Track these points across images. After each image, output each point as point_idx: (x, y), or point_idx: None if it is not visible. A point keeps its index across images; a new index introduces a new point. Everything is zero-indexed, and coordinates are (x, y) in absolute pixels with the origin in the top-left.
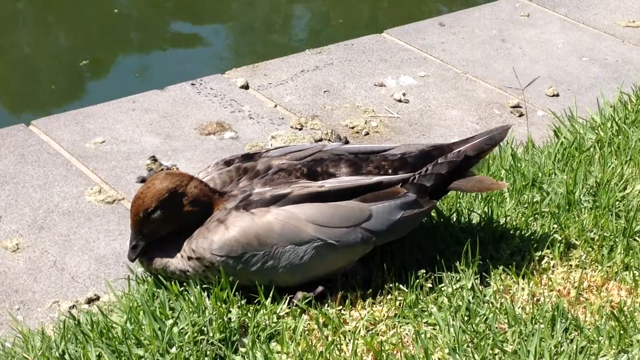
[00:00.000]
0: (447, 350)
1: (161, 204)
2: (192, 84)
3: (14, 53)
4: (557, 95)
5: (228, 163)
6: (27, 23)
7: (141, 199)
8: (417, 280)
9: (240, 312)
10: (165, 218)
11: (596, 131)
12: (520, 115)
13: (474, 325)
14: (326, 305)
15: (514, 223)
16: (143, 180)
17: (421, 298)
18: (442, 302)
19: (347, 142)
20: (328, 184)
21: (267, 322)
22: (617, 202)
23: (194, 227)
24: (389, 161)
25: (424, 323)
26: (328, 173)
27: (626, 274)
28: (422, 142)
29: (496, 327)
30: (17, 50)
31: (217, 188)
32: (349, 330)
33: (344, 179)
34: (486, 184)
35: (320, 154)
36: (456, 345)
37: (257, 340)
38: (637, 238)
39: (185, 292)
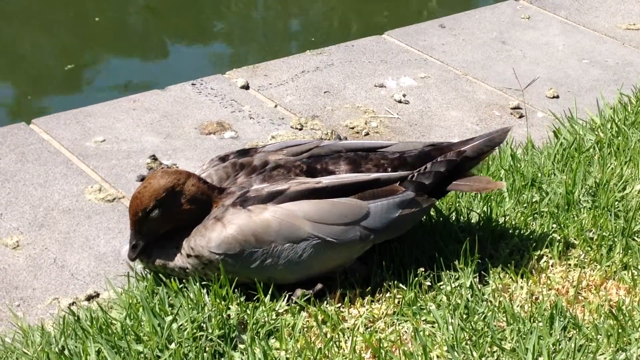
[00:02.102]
0: (445, 348)
1: (159, 202)
2: (192, 84)
3: (15, 51)
4: (557, 97)
5: (223, 159)
6: (30, 21)
7: (139, 199)
8: (416, 279)
9: (239, 309)
10: (164, 216)
11: (596, 132)
12: (520, 116)
13: (472, 323)
14: (325, 302)
15: (513, 222)
16: (143, 178)
17: (420, 296)
18: (440, 300)
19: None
20: (325, 180)
21: (266, 319)
22: (616, 202)
23: (193, 224)
24: (388, 159)
25: (423, 321)
26: (327, 170)
27: (625, 274)
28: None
29: (495, 325)
30: (19, 48)
31: (214, 184)
32: (348, 328)
33: (342, 176)
34: (484, 184)
35: (317, 150)
36: (455, 342)
37: (256, 337)
38: (635, 238)
39: (185, 289)
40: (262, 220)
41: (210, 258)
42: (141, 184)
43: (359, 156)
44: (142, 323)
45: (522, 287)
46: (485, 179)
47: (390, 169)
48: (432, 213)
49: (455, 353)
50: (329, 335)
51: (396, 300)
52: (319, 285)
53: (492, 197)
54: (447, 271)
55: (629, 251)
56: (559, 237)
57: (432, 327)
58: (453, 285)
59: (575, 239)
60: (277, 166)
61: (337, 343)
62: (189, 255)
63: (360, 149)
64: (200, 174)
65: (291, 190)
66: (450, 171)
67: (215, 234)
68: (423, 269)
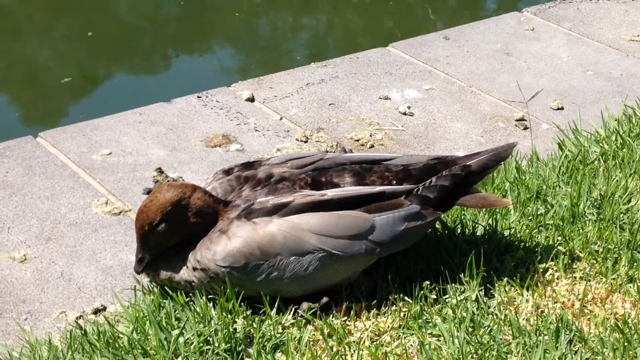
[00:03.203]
0: None
1: (166, 216)
2: (198, 97)
3: (23, 65)
4: (562, 108)
5: (227, 172)
6: (37, 34)
7: (145, 212)
8: (422, 292)
9: (245, 322)
10: (171, 230)
11: (600, 144)
12: (525, 128)
13: (478, 337)
14: (331, 316)
15: (518, 235)
16: (149, 191)
17: (425, 309)
18: (446, 313)
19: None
20: (330, 193)
21: (273, 332)
22: (622, 215)
23: (199, 237)
24: (392, 172)
25: (429, 334)
26: (332, 183)
27: (630, 287)
28: (425, 154)
29: (500, 339)
30: (26, 62)
31: (220, 197)
32: (354, 341)
33: (347, 189)
34: (490, 201)
35: (322, 162)
36: (460, 356)
37: (262, 351)
38: None
39: (191, 303)
40: (267, 233)
41: (216, 271)
42: (147, 197)
43: (363, 169)
44: (149, 337)
45: (527, 300)
46: (491, 196)
47: (395, 182)
48: (437, 226)
49: None
50: (335, 349)
51: (402, 314)
52: (325, 299)
53: (497, 210)
54: (453, 284)
55: (635, 264)
56: (564, 250)
57: (438, 340)
58: (459, 299)
59: (580, 252)
60: (282, 179)
61: (343, 357)
62: (195, 269)
63: (364, 162)
64: (205, 187)
65: (296, 202)
66: (455, 185)
67: (220, 247)
68: (428, 282)
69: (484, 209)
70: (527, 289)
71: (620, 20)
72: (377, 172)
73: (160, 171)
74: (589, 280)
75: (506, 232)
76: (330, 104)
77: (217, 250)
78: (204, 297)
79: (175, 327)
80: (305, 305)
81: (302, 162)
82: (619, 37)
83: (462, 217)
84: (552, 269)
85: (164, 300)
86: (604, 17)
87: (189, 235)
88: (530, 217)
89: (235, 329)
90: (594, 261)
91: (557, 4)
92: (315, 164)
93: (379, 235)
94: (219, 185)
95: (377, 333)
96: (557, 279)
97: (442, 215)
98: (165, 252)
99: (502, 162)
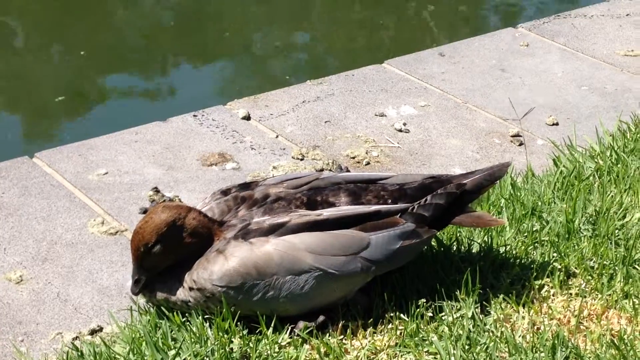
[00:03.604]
0: None
1: (161, 237)
2: (194, 115)
3: (18, 85)
4: (557, 124)
5: (225, 192)
6: (32, 52)
7: (140, 234)
8: (418, 310)
9: (242, 342)
10: (166, 251)
11: (595, 160)
12: (521, 144)
13: (474, 354)
14: (327, 334)
15: (514, 252)
16: (145, 211)
17: (422, 327)
18: (442, 331)
19: (347, 172)
20: (326, 212)
21: (269, 352)
22: (617, 231)
23: (195, 257)
24: (388, 191)
25: (425, 352)
26: (328, 202)
27: (626, 302)
28: (422, 172)
29: (497, 356)
30: (22, 81)
31: (216, 217)
32: None
33: (342, 208)
34: (485, 220)
35: (317, 182)
36: None
37: None
38: (636, 266)
39: (188, 323)
40: (263, 252)
41: (213, 291)
42: (142, 219)
43: (359, 188)
44: (146, 357)
45: (523, 317)
46: (486, 215)
47: (390, 201)
48: (433, 243)
49: None
50: None
51: (398, 332)
52: (321, 317)
53: (492, 227)
54: (449, 301)
55: (630, 280)
56: (559, 266)
57: (435, 358)
58: (455, 316)
59: (576, 268)
60: (278, 199)
61: None
62: (191, 289)
63: (359, 181)
64: (203, 207)
65: (292, 222)
66: (450, 204)
67: (217, 267)
68: (424, 300)
69: None
70: (523, 306)
71: (614, 36)
72: (372, 191)
73: (156, 190)
74: (585, 297)
75: (502, 249)
76: (326, 122)
77: (214, 270)
78: (200, 317)
79: (172, 347)
80: (301, 324)
81: (298, 182)
82: (613, 52)
83: (458, 235)
84: (548, 285)
85: (160, 321)
86: (598, 33)
87: (184, 255)
88: (525, 234)
89: (232, 348)
90: (590, 277)
91: (551, 20)
92: (310, 184)
93: (375, 253)
94: (216, 206)
95: (373, 351)
96: (553, 295)
97: (438, 233)
98: (161, 273)
99: (497, 181)
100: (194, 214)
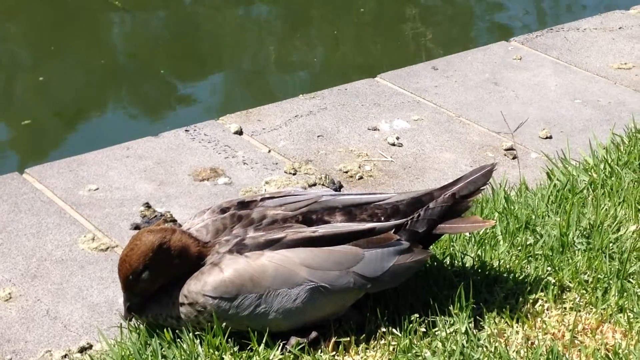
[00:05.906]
0: None
1: (148, 263)
2: (186, 130)
3: (8, 100)
4: (550, 137)
5: (224, 210)
6: (22, 68)
7: (127, 262)
8: (411, 325)
9: (233, 359)
10: (155, 275)
11: (589, 173)
12: (514, 157)
13: None
14: (319, 351)
15: (508, 266)
16: (137, 227)
17: (415, 342)
18: (436, 346)
19: (340, 187)
20: (322, 229)
21: None
22: (611, 244)
23: (184, 277)
24: (382, 209)
25: None
26: (323, 220)
27: (620, 316)
28: (416, 186)
29: None
30: (11, 97)
31: (209, 235)
32: None
33: (338, 225)
34: (474, 223)
35: (314, 206)
36: None
37: None
38: (631, 280)
39: (178, 340)
40: (259, 265)
41: (205, 304)
42: (127, 246)
43: (354, 207)
44: None
45: (517, 332)
46: (475, 218)
47: (383, 218)
48: None
49: None
50: None
51: (391, 348)
52: (314, 334)
53: (486, 241)
54: (442, 317)
55: (625, 293)
56: (553, 280)
57: None
58: (448, 331)
59: (570, 282)
60: (274, 221)
61: None
62: (182, 304)
63: (357, 205)
64: (199, 223)
65: (288, 238)
66: (442, 217)
67: (211, 278)
68: (417, 315)
69: (473, 239)
70: (517, 321)
71: (607, 49)
72: (367, 209)
73: (147, 206)
74: (579, 311)
75: (495, 263)
76: (318, 136)
77: (208, 281)
78: (190, 334)
79: None
80: (293, 340)
81: (296, 206)
82: (606, 65)
83: (451, 249)
84: (542, 299)
85: (151, 338)
86: (591, 46)
87: (173, 276)
88: (519, 248)
89: None
90: (584, 291)
91: (544, 33)
92: (308, 207)
93: (369, 269)
94: (211, 223)
95: None
96: (547, 309)
97: (431, 247)
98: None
99: (486, 185)
100: (178, 235)
